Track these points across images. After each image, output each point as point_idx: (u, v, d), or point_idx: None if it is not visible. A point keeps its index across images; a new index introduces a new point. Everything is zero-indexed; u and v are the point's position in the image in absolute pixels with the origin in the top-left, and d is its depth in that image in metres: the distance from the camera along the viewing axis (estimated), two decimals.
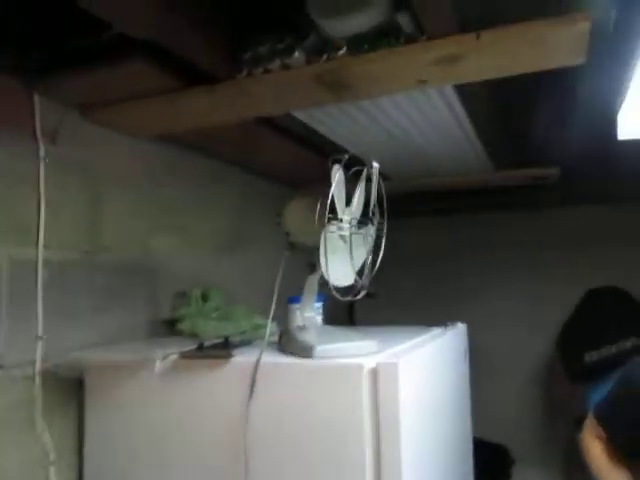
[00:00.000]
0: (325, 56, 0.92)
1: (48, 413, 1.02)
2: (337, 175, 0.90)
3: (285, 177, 1.66)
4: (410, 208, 2.31)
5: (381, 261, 1.00)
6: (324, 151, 1.42)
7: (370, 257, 1.01)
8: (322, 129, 1.31)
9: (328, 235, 0.91)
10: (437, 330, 1.33)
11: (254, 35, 0.96)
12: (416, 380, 0.92)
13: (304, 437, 0.87)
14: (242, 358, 0.95)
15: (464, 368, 1.41)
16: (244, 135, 1.29)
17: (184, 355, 0.98)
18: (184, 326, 1.21)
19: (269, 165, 1.50)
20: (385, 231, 1.04)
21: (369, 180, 0.97)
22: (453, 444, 1.24)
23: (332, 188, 0.88)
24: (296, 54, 0.92)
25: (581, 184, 1.93)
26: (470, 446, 1.44)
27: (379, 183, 0.99)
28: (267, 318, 1.27)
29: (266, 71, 0.96)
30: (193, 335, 1.20)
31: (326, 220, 0.87)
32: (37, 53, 0.99)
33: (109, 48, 0.91)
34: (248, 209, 1.63)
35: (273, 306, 0.99)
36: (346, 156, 0.92)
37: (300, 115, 1.21)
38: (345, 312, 2.41)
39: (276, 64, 0.94)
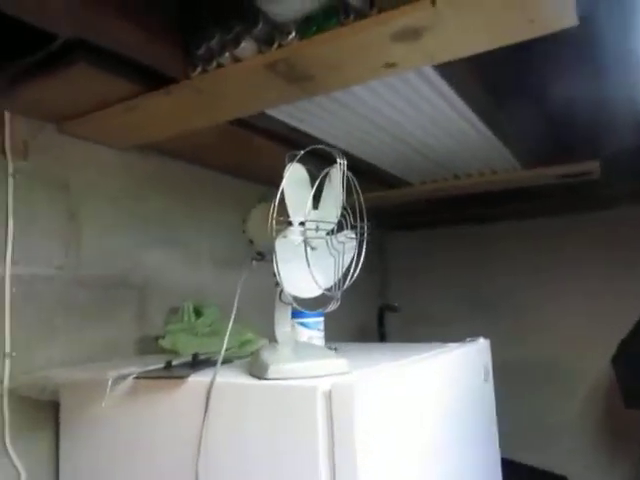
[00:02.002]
0: (276, 44, 0.83)
1: (20, 434, 0.99)
2: (289, 173, 0.81)
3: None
4: (439, 217, 2.17)
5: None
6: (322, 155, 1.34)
7: (345, 266, 0.91)
8: (312, 130, 1.23)
9: (287, 241, 0.82)
10: (452, 346, 1.19)
11: (206, 28, 0.90)
12: (388, 401, 0.80)
13: (256, 463, 0.78)
14: (200, 378, 0.87)
15: (484, 386, 1.25)
16: (227, 140, 1.22)
17: (139, 376, 0.91)
18: (165, 343, 1.15)
19: (262, 170, 1.43)
20: (365, 236, 0.93)
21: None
22: (469, 470, 1.09)
23: (281, 187, 0.79)
24: (243, 44, 0.84)
25: (628, 180, 1.70)
26: (498, 471, 1.28)
27: (350, 181, 0.89)
28: (261, 335, 1.21)
29: (219, 66, 0.89)
30: (174, 352, 1.14)
31: (273, 223, 0.78)
32: (2, 70, 0.99)
33: (55, 58, 0.89)
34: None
35: (232, 319, 0.90)
36: (302, 152, 0.83)
37: (280, 115, 1.13)
38: (375, 328, 2.28)
39: (227, 57, 0.87)
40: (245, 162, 1.42)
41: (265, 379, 0.80)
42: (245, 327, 1.22)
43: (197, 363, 1.00)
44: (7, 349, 0.98)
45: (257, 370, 0.84)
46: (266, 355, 0.87)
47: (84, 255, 1.14)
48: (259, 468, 0.78)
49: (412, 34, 0.76)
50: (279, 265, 0.79)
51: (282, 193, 0.80)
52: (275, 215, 0.78)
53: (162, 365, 0.98)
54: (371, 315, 2.29)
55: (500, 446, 1.29)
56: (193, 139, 1.21)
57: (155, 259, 1.31)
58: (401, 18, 0.73)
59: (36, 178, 1.07)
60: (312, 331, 1.26)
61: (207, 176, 1.48)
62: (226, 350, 1.13)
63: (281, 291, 0.87)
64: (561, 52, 1.01)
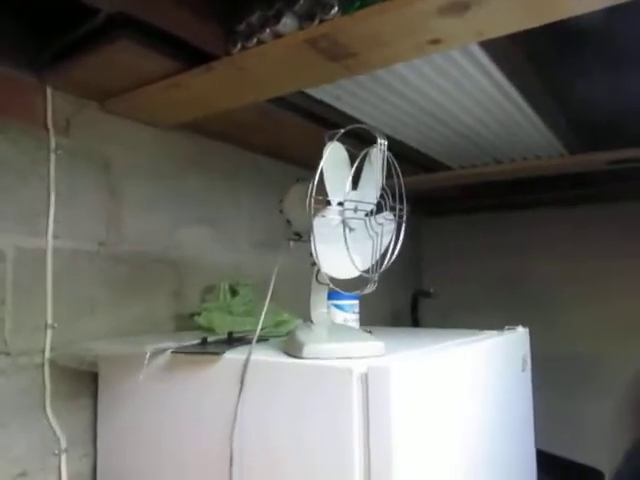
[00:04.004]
0: (317, 20, 0.82)
1: (60, 402, 1.02)
2: (328, 151, 0.79)
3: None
4: (478, 202, 2.12)
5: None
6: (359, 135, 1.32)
7: (382, 248, 0.89)
8: (351, 110, 1.21)
9: (325, 222, 0.81)
10: (489, 333, 1.17)
11: (247, 4, 0.89)
12: (424, 385, 0.79)
13: (289, 440, 0.78)
14: (236, 355, 0.87)
15: (522, 376, 1.22)
16: (264, 119, 1.22)
17: (176, 351, 0.92)
18: (201, 320, 1.16)
19: (299, 150, 1.41)
20: (404, 219, 0.91)
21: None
22: (503, 459, 1.07)
23: (320, 166, 0.78)
24: (285, 20, 0.83)
25: None
26: (532, 462, 1.26)
27: (390, 163, 0.87)
28: (297, 316, 1.21)
29: (260, 42, 0.88)
30: (210, 329, 1.15)
31: (312, 202, 0.77)
32: (47, 46, 1.00)
33: (98, 34, 0.89)
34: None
35: (268, 299, 0.90)
36: (342, 130, 0.81)
37: (318, 94, 1.12)
38: (409, 314, 2.26)
39: (267, 34, 0.86)
40: (282, 142, 1.41)
41: (300, 358, 0.80)
42: (281, 307, 1.22)
43: (232, 341, 1.00)
44: (49, 320, 1.01)
45: (292, 349, 0.84)
46: (302, 335, 0.86)
47: (124, 232, 1.16)
48: (291, 446, 0.78)
49: (460, 7, 0.73)
50: (317, 245, 0.79)
51: (321, 172, 0.78)
52: (314, 194, 0.77)
53: (198, 341, 0.99)
54: (405, 301, 2.27)
55: (536, 438, 1.26)
56: (231, 118, 1.21)
57: (193, 237, 1.33)
58: None
59: (78, 154, 1.08)
60: (347, 314, 1.26)
61: (245, 157, 1.49)
62: (261, 329, 1.14)
63: (318, 271, 0.86)
64: (614, 31, 0.96)
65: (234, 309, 1.28)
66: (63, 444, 1.02)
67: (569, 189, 1.90)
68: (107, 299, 1.12)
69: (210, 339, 1.01)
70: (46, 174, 1.02)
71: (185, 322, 1.27)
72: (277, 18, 0.83)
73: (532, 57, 0.97)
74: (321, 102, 1.15)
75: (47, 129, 1.03)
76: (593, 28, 0.90)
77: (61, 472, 1.02)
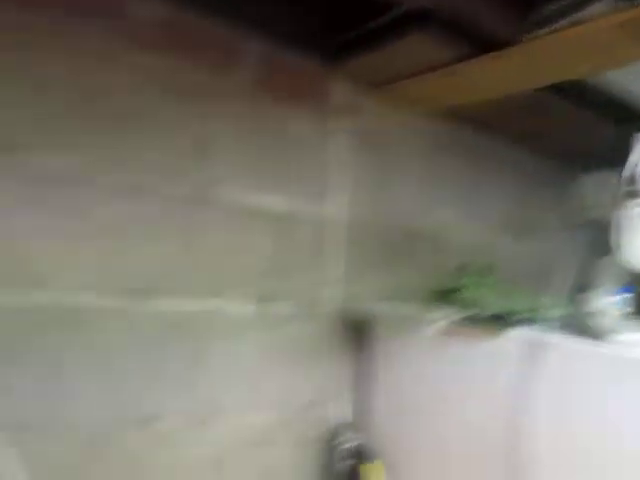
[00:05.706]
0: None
1: (337, 349, 1.18)
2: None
3: (578, 156, 1.47)
4: None
5: None
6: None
7: None
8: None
9: (627, 212, 0.80)
10: None
11: None
12: None
13: (589, 428, 0.78)
14: (519, 334, 0.91)
15: None
16: (531, 106, 1.20)
17: (456, 321, 0.99)
18: (464, 295, 1.22)
19: (560, 141, 1.35)
20: None
21: None
22: None
23: (631, 159, 0.76)
24: (597, 3, 0.81)
25: None
26: None
27: None
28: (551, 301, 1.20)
29: (553, 31, 0.87)
30: (471, 305, 1.20)
31: (621, 195, 0.76)
32: (332, 36, 1.12)
33: (390, 27, 0.97)
34: (532, 193, 1.55)
35: (568, 286, 0.92)
36: None
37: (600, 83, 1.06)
38: None
39: (565, 21, 0.85)
40: (545, 129, 1.35)
41: (607, 345, 0.80)
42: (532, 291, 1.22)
43: (500, 318, 1.03)
44: (338, 277, 1.17)
45: (593, 334, 0.85)
46: (602, 322, 0.86)
47: (393, 207, 1.29)
48: (590, 434, 0.77)
49: None
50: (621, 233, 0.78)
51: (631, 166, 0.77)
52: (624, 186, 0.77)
53: (470, 315, 1.04)
54: None
55: None
56: (495, 104, 1.21)
57: (446, 216, 1.40)
58: None
59: (358, 135, 1.21)
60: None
61: (491, 145, 1.50)
62: (523, 311, 1.16)
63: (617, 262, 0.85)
64: None
65: (489, 287, 1.32)
66: (337, 384, 1.18)
67: None
68: (377, 265, 1.25)
69: (482, 315, 1.05)
70: (332, 151, 1.17)
71: (432, 295, 1.35)
72: (583, 4, 0.81)
73: None
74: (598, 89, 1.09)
75: (332, 111, 1.17)
76: None
77: (332, 409, 1.19)
